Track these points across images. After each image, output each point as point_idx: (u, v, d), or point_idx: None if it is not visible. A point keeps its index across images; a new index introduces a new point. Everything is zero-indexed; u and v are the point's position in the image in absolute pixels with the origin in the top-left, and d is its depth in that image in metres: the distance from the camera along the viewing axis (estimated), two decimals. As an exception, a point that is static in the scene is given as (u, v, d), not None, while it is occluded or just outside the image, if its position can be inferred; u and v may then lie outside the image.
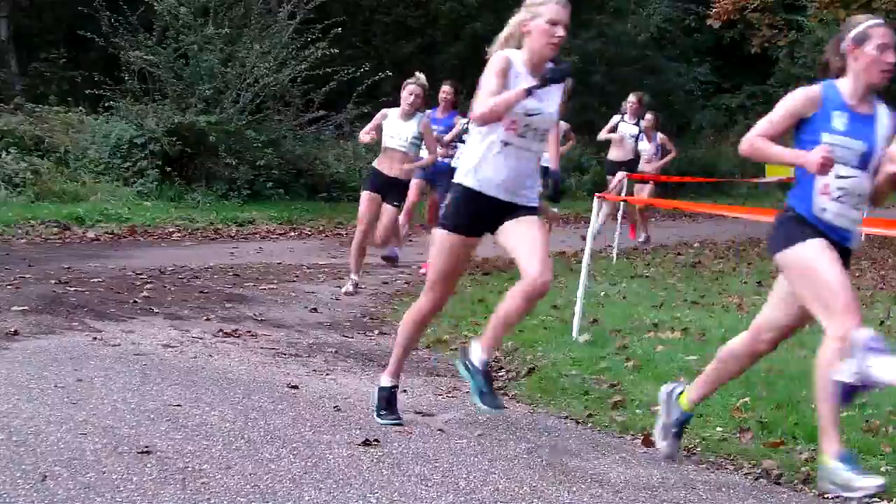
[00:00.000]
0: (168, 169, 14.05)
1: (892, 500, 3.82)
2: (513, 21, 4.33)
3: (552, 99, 4.30)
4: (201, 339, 6.07)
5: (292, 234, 12.84)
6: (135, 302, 7.07)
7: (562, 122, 10.09)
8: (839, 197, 3.91)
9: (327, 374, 5.46)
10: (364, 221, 8.18)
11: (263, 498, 3.47)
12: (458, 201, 4.32)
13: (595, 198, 7.07)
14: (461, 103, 9.90)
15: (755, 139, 4.00)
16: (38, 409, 4.27)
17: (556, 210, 11.62)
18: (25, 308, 6.44)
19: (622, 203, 12.08)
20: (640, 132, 12.53)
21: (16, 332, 5.73)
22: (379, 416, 4.53)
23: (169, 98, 14.64)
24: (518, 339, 6.49)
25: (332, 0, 17.31)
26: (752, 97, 28.42)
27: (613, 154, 12.76)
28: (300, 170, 15.90)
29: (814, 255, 3.86)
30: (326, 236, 12.92)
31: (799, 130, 4.00)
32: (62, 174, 13.50)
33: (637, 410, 5.00)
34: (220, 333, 6.26)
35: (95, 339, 5.79)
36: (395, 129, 8.17)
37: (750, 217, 8.25)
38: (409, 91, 8.17)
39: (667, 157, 13.12)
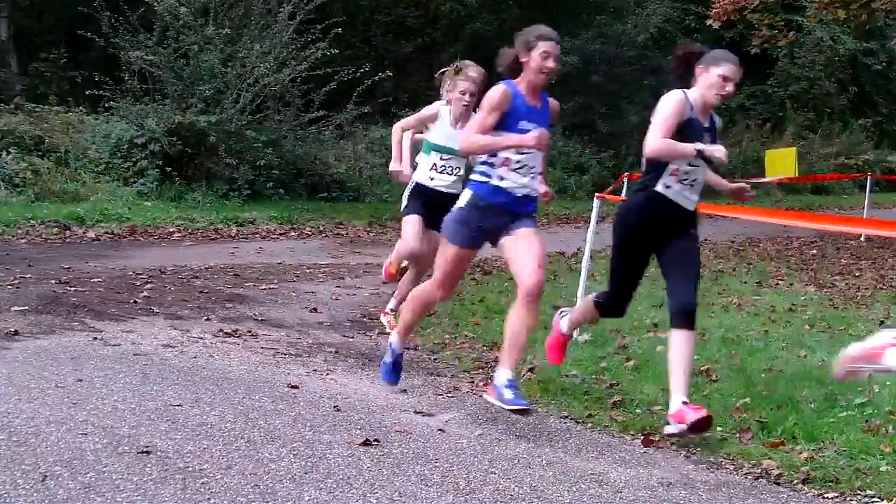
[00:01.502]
0: (168, 169, 14.06)
1: (892, 500, 3.82)
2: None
3: None
4: (201, 339, 6.07)
5: (292, 234, 12.84)
6: (135, 302, 7.07)
7: None
8: None
9: (327, 374, 5.47)
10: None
11: (263, 498, 3.47)
12: None
13: (595, 198, 7.07)
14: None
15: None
16: (38, 409, 4.27)
17: None
18: (25, 308, 6.44)
19: None
20: None
21: (16, 332, 5.74)
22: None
23: (169, 98, 14.64)
24: (518, 339, 6.48)
25: (332, 0, 17.31)
26: (752, 97, 28.45)
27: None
28: (300, 170, 15.90)
29: None
30: (326, 236, 12.93)
31: None
32: (62, 174, 13.50)
33: (637, 410, 5.00)
34: (220, 333, 6.26)
35: (95, 339, 5.79)
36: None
37: (750, 217, 8.25)
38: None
39: None
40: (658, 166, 4.60)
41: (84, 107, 15.17)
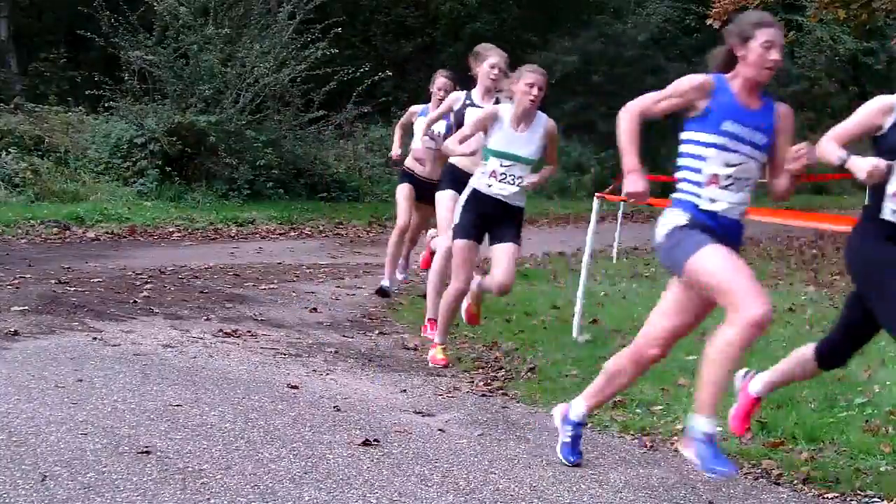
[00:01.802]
0: (168, 169, 14.06)
1: (892, 500, 3.82)
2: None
3: None
4: (201, 339, 6.07)
5: (292, 234, 12.84)
6: (135, 302, 7.07)
7: None
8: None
9: (327, 374, 5.46)
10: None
11: (263, 498, 3.47)
12: None
13: (595, 198, 7.07)
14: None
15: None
16: (38, 409, 4.27)
17: None
18: (25, 308, 6.44)
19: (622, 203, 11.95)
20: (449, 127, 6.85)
21: (16, 332, 5.73)
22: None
23: (169, 98, 14.65)
24: (518, 339, 6.49)
25: (332, 0, 17.31)
26: (752, 97, 28.45)
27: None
28: (300, 170, 15.91)
29: None
30: (326, 236, 12.93)
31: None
32: (62, 174, 13.51)
33: (637, 410, 4.99)
34: (220, 333, 6.26)
35: (95, 339, 5.79)
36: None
37: (750, 217, 8.25)
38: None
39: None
40: (879, 189, 3.77)
41: (84, 107, 15.18)
